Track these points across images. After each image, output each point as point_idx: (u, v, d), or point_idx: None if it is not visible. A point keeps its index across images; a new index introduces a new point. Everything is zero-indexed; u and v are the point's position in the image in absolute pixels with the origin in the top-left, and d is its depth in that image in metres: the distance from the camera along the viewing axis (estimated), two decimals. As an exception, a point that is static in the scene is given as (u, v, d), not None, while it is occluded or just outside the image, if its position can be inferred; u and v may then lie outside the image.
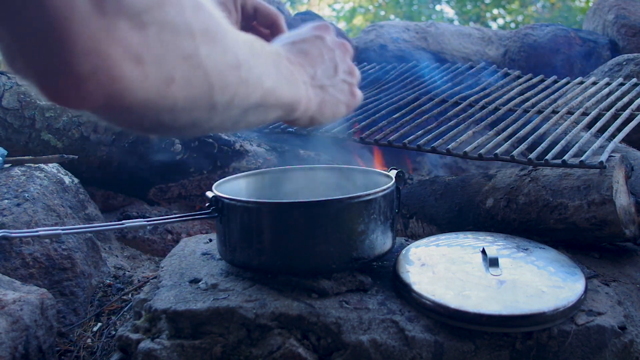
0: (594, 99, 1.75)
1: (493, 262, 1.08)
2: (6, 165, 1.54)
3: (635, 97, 1.72)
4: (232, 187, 1.19)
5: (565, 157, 1.31)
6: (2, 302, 1.05)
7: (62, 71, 0.39)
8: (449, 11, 8.23)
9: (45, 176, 1.53)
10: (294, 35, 0.72)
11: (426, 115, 1.70)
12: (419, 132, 1.56)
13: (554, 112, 1.68)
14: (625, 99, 1.71)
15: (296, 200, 1.13)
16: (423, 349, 0.96)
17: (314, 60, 0.70)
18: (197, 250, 1.23)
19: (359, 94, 0.77)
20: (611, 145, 1.37)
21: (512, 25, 7.60)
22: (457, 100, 1.82)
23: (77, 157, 1.63)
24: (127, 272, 1.53)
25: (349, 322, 0.98)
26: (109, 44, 0.40)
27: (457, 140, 1.48)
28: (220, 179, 1.21)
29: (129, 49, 0.41)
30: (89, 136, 1.76)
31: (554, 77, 2.00)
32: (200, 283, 1.08)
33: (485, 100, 1.80)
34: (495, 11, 8.22)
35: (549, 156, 1.34)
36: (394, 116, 1.70)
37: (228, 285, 1.07)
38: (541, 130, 1.52)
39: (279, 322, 0.99)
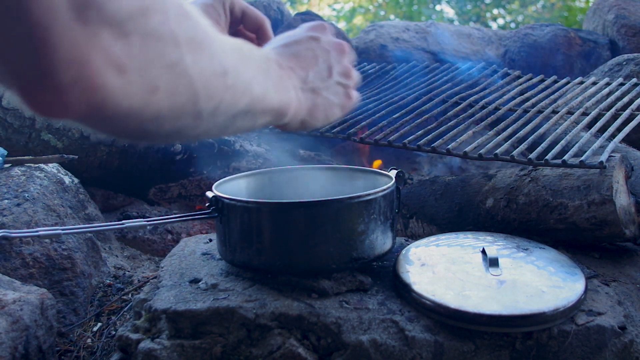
0: (594, 99, 1.75)
1: (493, 262, 1.08)
2: (6, 165, 1.54)
3: (635, 97, 1.72)
4: (232, 187, 1.19)
5: (565, 157, 1.31)
6: (2, 302, 1.05)
7: (43, 81, 0.39)
8: (449, 11, 8.23)
9: (45, 176, 1.53)
10: (287, 36, 0.72)
11: (426, 115, 1.70)
12: (419, 132, 1.55)
13: (554, 112, 1.68)
14: (625, 99, 1.71)
15: (296, 200, 1.13)
16: (423, 349, 0.96)
17: (306, 63, 0.69)
18: (197, 250, 1.23)
19: (355, 95, 0.76)
20: (611, 145, 1.38)
21: (512, 25, 7.60)
22: (457, 100, 1.82)
23: (77, 157, 1.63)
24: (127, 272, 1.53)
25: (349, 322, 0.98)
26: (91, 53, 0.39)
27: (457, 140, 1.48)
28: (220, 179, 1.21)
29: (111, 58, 0.40)
30: (89, 136, 1.76)
31: (554, 77, 2.00)
32: (200, 283, 1.08)
33: (485, 100, 1.80)
34: (495, 11, 8.22)
35: (549, 156, 1.34)
36: (394, 116, 1.70)
37: (228, 285, 1.07)
38: (541, 130, 1.52)
39: (279, 322, 0.99)
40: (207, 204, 1.10)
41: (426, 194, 1.55)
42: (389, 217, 1.10)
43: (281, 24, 2.79)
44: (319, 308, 1.00)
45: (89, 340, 1.25)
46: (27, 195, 1.43)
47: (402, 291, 1.05)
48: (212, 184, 1.15)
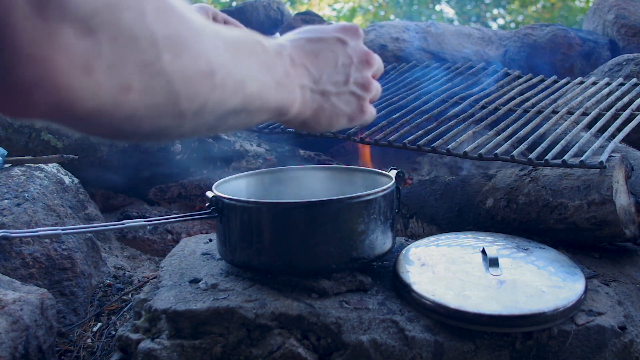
0: (594, 99, 1.75)
1: (493, 262, 1.08)
2: (6, 165, 1.54)
3: (635, 97, 1.72)
4: (232, 187, 1.19)
5: (565, 157, 1.31)
6: (2, 302, 1.05)
7: (2, 81, 0.37)
8: (449, 11, 8.24)
9: (45, 176, 1.53)
10: (315, 30, 0.68)
11: (426, 115, 1.70)
12: (419, 132, 1.56)
13: (554, 112, 1.68)
14: (625, 99, 1.71)
15: (296, 200, 1.12)
16: (423, 349, 0.96)
17: (323, 64, 0.66)
18: (197, 250, 1.23)
19: (371, 111, 0.72)
20: (611, 145, 1.38)
21: (512, 25, 7.61)
22: (457, 100, 1.82)
23: (77, 157, 1.63)
24: (127, 272, 1.53)
25: (349, 322, 0.98)
26: (53, 51, 0.36)
27: (457, 140, 1.48)
28: (220, 179, 1.21)
29: (75, 57, 0.37)
30: (89, 136, 1.76)
31: (554, 77, 2.00)
32: (200, 283, 1.08)
33: (485, 100, 1.80)
34: (495, 11, 8.23)
35: (549, 156, 1.34)
36: (394, 116, 1.70)
37: (228, 285, 1.07)
38: (541, 130, 1.52)
39: (279, 322, 0.99)
40: (207, 204, 1.10)
41: (426, 194, 1.55)
42: (389, 217, 1.10)
43: (281, 24, 2.79)
44: (319, 308, 1.00)
45: (89, 340, 1.25)
46: (27, 195, 1.43)
47: (402, 291, 1.05)
48: (212, 184, 1.15)
